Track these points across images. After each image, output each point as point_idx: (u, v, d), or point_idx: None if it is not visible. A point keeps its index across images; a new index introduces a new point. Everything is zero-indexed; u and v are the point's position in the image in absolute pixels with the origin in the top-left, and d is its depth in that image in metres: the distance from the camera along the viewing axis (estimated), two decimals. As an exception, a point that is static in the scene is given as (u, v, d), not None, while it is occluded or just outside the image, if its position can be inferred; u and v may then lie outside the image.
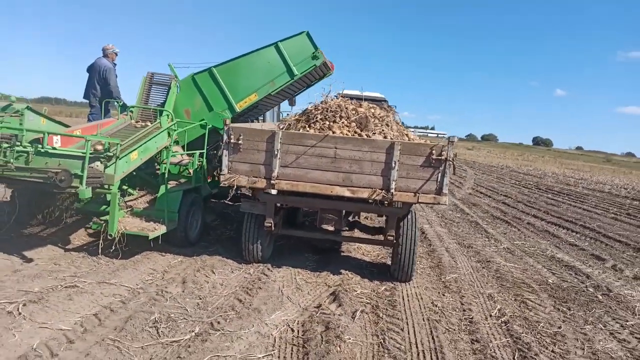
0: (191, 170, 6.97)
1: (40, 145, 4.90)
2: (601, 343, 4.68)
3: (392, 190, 5.25)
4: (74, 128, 6.22)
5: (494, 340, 4.45)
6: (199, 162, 6.95)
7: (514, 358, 4.15)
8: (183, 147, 7.31)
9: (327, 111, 6.01)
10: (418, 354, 3.99)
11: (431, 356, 3.98)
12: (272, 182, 5.39)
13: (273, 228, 5.78)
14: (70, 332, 3.74)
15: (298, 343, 3.99)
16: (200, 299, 4.74)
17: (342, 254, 7.05)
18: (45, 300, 4.26)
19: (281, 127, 6.22)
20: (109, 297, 4.54)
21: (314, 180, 5.39)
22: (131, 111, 7.19)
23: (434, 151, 5.19)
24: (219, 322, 4.16)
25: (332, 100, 6.30)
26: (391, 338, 4.23)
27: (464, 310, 5.20)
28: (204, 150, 7.08)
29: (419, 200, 5.28)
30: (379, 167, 5.28)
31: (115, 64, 7.77)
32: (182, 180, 6.88)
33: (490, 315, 5.11)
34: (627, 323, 5.31)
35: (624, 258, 8.85)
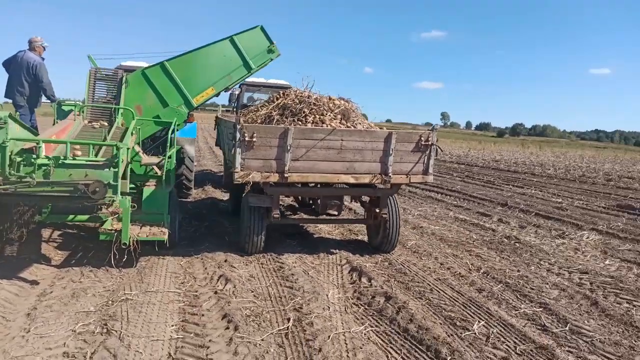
0: (159, 171, 6.77)
1: (62, 157, 4.49)
2: (551, 278, 6.19)
3: (390, 174, 6.04)
4: (46, 133, 5.61)
5: (493, 288, 5.61)
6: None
7: (517, 297, 5.35)
8: (138, 144, 7.04)
9: (310, 105, 6.46)
10: (464, 304, 4.94)
11: (475, 304, 4.96)
12: (285, 175, 5.73)
13: (280, 219, 6.12)
14: (186, 340, 3.79)
15: (373, 314, 4.60)
16: (252, 292, 4.97)
17: (314, 236, 7.62)
18: (119, 316, 4.11)
19: (255, 120, 6.46)
20: (174, 304, 4.52)
21: (322, 171, 5.88)
22: (83, 111, 6.63)
23: (422, 138, 6.10)
24: (302, 308, 4.53)
25: (306, 93, 6.72)
26: (433, 297, 5.10)
27: (448, 269, 6.29)
28: (175, 149, 6.91)
29: (411, 181, 6.17)
30: (377, 155, 6.01)
31: (43, 59, 6.95)
32: (153, 181, 6.66)
33: (470, 270, 6.30)
34: (552, 260, 6.99)
35: (499, 212, 11.01)
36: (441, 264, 6.46)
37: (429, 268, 6.22)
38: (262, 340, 3.89)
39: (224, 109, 12.58)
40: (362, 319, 4.48)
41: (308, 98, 6.54)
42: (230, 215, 8.43)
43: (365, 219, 7.00)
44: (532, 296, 5.38)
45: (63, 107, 6.84)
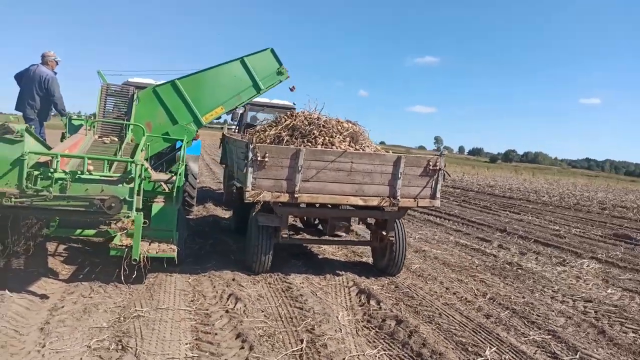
0: (167, 187, 6.78)
1: (79, 172, 4.51)
2: (555, 305, 6.23)
3: (398, 197, 6.09)
4: (59, 147, 5.63)
5: (500, 314, 5.63)
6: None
7: (525, 324, 5.37)
8: (146, 160, 7.06)
9: (320, 127, 6.53)
10: (474, 330, 4.95)
11: (485, 330, 4.97)
12: (295, 195, 5.77)
13: (288, 238, 6.14)
14: (201, 359, 3.77)
15: (385, 337, 4.60)
16: (262, 311, 4.96)
17: (319, 256, 7.62)
18: (133, 332, 4.09)
19: (264, 140, 6.51)
20: (185, 322, 4.50)
21: (331, 192, 5.93)
22: (93, 126, 6.67)
23: (430, 162, 6.17)
24: (314, 329, 4.53)
25: (315, 115, 6.80)
26: (443, 322, 5.11)
27: (454, 293, 6.31)
28: (184, 166, 6.94)
29: (418, 205, 6.23)
30: (386, 178, 6.07)
31: (55, 73, 7.01)
32: (161, 197, 6.66)
33: (476, 295, 6.32)
34: (556, 287, 7.04)
35: (499, 238, 11.08)
36: (447, 289, 6.48)
37: (436, 292, 6.24)
38: (277, 361, 3.88)
39: (228, 126, 12.67)
40: (375, 342, 4.48)
41: (317, 120, 6.63)
42: (233, 233, 8.43)
43: (371, 241, 7.03)
44: (540, 323, 5.41)
45: (73, 122, 6.88)
